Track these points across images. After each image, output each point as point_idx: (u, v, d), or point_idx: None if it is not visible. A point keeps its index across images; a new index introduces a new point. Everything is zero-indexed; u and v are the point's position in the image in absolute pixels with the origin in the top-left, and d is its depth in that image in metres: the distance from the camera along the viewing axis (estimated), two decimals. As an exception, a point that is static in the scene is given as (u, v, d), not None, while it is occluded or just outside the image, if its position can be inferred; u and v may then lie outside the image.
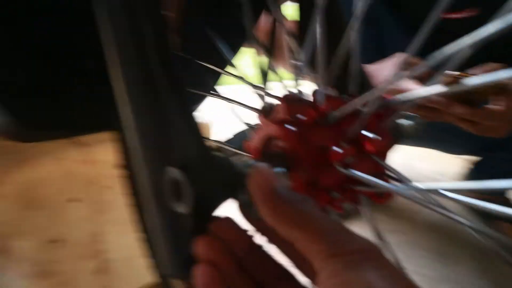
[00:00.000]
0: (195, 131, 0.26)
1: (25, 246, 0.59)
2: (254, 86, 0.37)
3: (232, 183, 0.25)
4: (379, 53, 0.86)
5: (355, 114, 0.30)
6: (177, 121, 0.26)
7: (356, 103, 0.28)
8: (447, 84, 0.71)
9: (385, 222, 1.04)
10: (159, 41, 0.27)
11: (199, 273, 0.24)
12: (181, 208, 0.25)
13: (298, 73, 0.35)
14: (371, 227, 0.31)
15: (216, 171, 0.25)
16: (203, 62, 0.44)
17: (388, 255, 0.21)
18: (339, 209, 0.29)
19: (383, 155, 0.31)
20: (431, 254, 0.93)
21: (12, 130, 0.57)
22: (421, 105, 0.70)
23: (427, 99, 0.69)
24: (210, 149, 0.26)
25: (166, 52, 0.27)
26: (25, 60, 0.53)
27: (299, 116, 0.29)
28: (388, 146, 0.31)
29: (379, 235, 0.30)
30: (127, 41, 0.27)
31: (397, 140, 0.38)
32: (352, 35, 0.30)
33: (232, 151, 0.39)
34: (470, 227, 0.24)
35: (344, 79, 0.35)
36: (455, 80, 0.65)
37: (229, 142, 0.40)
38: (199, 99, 0.64)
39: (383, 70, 0.79)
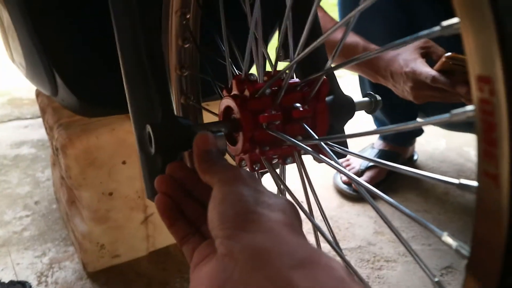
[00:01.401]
0: (164, 102, 0.38)
1: (87, 197, 0.75)
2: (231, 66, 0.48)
3: (184, 140, 0.37)
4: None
5: (291, 89, 0.40)
6: (151, 96, 0.38)
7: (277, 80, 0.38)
8: (440, 65, 0.77)
9: (414, 201, 1.09)
10: (148, 42, 0.40)
11: (156, 201, 0.36)
12: (152, 151, 0.38)
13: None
14: (301, 177, 0.41)
15: (172, 130, 0.37)
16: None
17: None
18: (271, 160, 0.40)
19: (312, 121, 0.40)
20: (458, 236, 0.96)
21: (78, 108, 0.73)
22: (428, 86, 0.76)
23: (433, 80, 0.74)
24: (172, 115, 0.38)
25: (152, 48, 0.40)
26: (90, 51, 0.69)
27: (244, 91, 0.40)
28: (316, 115, 0.40)
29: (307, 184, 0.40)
30: (127, 40, 0.40)
31: (348, 113, 0.47)
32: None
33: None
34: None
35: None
36: (448, 62, 0.71)
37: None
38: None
39: (403, 54, 0.84)
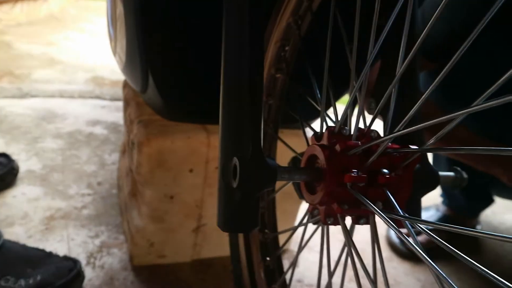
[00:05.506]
0: (256, 139, 0.39)
1: (150, 195, 0.78)
2: (324, 115, 0.48)
3: (267, 180, 0.38)
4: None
5: (384, 153, 0.39)
6: (245, 131, 0.39)
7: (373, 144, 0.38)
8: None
9: (469, 274, 1.03)
10: (252, 77, 0.41)
11: None
12: (234, 184, 0.38)
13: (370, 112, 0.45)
14: (372, 243, 0.40)
15: (258, 168, 0.38)
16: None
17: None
18: (345, 217, 0.39)
19: (394, 189, 0.39)
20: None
21: (162, 109, 0.77)
22: None
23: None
24: (261, 154, 0.38)
25: (255, 84, 0.41)
26: (186, 62, 0.72)
27: (335, 144, 0.40)
28: (401, 184, 0.39)
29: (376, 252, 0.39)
30: (232, 71, 0.42)
31: (430, 186, 0.45)
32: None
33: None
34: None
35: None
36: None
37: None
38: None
39: None
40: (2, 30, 2.45)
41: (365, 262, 0.41)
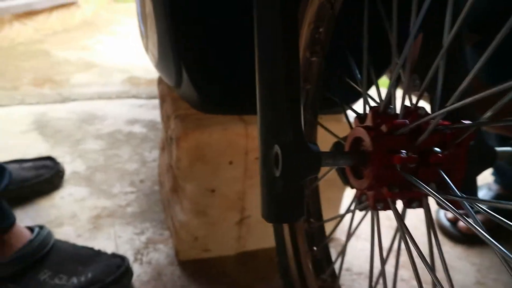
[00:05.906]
0: (297, 126, 0.37)
1: (191, 190, 0.78)
2: (366, 96, 0.45)
3: (311, 167, 0.36)
4: None
5: (434, 130, 0.37)
6: (285, 117, 0.38)
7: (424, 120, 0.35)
8: None
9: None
10: (288, 64, 0.39)
11: None
12: (277, 173, 0.37)
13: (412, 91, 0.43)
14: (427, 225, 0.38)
15: (301, 156, 0.36)
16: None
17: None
18: (395, 201, 0.37)
19: (448, 168, 0.37)
20: None
21: (197, 103, 0.76)
22: None
23: None
24: (303, 141, 0.37)
25: (291, 71, 0.39)
26: (220, 54, 0.71)
27: (380, 125, 0.37)
28: (455, 162, 0.37)
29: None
30: (268, 59, 0.40)
31: (487, 163, 0.42)
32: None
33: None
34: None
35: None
36: None
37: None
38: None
39: None
40: (40, 39, 2.54)
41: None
